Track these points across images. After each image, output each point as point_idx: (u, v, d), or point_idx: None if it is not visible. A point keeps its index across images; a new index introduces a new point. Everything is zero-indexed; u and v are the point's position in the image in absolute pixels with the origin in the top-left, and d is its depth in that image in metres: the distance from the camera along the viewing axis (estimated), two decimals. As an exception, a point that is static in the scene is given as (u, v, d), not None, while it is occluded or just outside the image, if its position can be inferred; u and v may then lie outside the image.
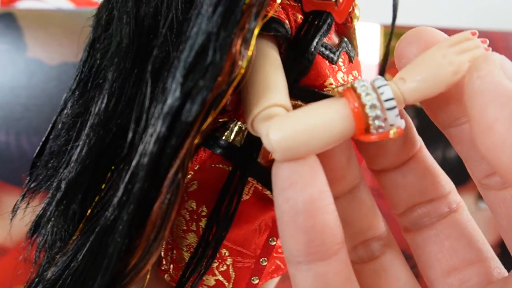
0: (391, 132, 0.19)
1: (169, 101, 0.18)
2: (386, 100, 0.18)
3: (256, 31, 0.18)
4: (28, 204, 0.23)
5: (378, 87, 0.19)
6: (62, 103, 0.22)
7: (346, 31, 0.25)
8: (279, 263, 0.28)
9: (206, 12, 0.17)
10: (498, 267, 0.21)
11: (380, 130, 0.19)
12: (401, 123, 0.19)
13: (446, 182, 0.22)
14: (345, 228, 0.20)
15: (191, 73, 0.17)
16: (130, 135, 0.19)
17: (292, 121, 0.18)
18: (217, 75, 0.17)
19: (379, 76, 0.19)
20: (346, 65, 0.24)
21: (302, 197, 0.18)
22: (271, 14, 0.20)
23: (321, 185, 0.18)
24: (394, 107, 0.18)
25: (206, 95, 0.17)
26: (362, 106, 0.18)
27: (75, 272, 0.20)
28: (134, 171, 0.19)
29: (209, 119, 0.18)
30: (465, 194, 0.50)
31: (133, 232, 0.19)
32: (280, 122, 0.18)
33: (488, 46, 0.19)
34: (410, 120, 0.21)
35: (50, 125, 0.22)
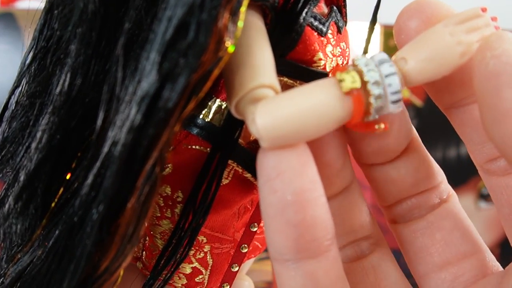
0: (377, 126, 0.17)
1: (145, 84, 0.15)
2: (388, 76, 0.17)
3: (246, 2, 0.16)
4: None
5: (380, 64, 0.17)
6: (15, 80, 0.19)
7: (334, -1, 0.23)
8: (257, 243, 0.26)
9: None
10: (492, 260, 0.20)
11: (381, 113, 0.17)
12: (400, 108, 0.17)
13: (438, 172, 0.21)
14: (336, 229, 0.19)
15: (170, 51, 0.15)
16: (99, 119, 0.17)
17: (282, 104, 0.16)
18: (200, 54, 0.15)
19: (383, 55, 0.17)
20: (334, 37, 0.22)
21: (292, 188, 0.16)
22: None
23: (312, 175, 0.17)
24: (398, 92, 0.17)
25: (189, 77, 0.15)
26: (364, 83, 0.17)
27: (37, 274, 0.18)
28: (104, 162, 0.16)
29: (191, 105, 0.16)
30: (465, 194, 0.50)
31: (104, 232, 0.16)
32: (268, 106, 0.16)
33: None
34: (406, 111, 0.20)
35: (2, 106, 0.19)
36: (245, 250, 0.24)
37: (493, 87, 0.16)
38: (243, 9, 0.15)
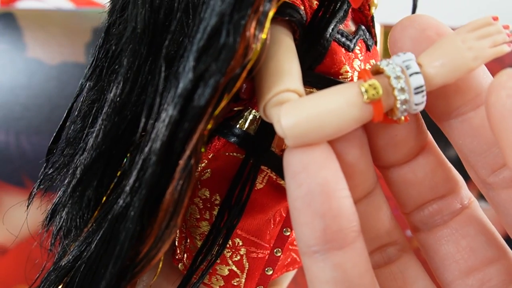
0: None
1: (181, 84, 0.17)
2: (417, 88, 0.18)
3: (270, 14, 0.18)
4: (45, 192, 0.23)
5: (407, 71, 0.18)
6: (78, 89, 0.22)
7: (363, 19, 0.25)
8: (294, 256, 0.27)
9: None
10: None
11: (404, 114, 0.18)
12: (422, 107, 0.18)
13: (456, 177, 0.21)
14: (363, 234, 0.19)
15: (204, 56, 0.17)
16: (142, 120, 0.19)
17: (304, 106, 0.18)
18: (230, 58, 0.17)
19: (411, 57, 0.18)
20: (363, 53, 0.24)
21: (317, 179, 0.17)
22: None
23: (335, 168, 0.18)
24: (422, 92, 0.18)
25: (219, 78, 0.17)
26: (392, 89, 0.18)
27: (88, 260, 0.20)
28: (147, 156, 0.19)
29: (223, 103, 0.18)
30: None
31: (144, 218, 0.18)
32: (292, 107, 0.18)
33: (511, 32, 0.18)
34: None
35: (66, 111, 0.23)
36: (279, 254, 0.25)
37: None
38: (267, 24, 0.18)
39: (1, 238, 0.47)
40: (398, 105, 0.18)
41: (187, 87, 0.17)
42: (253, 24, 0.17)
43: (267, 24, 0.18)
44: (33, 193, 0.23)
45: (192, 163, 0.18)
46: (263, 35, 0.17)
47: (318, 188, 0.17)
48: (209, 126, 0.18)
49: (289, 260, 0.27)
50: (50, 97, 0.47)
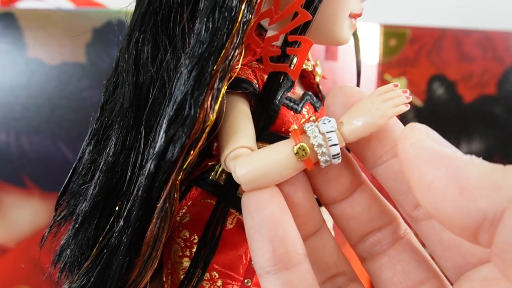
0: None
1: (157, 145, 0.23)
2: (332, 145, 0.23)
3: (223, 90, 0.23)
4: (55, 235, 0.28)
5: (327, 132, 0.23)
6: (80, 152, 0.28)
7: (310, 86, 0.31)
8: None
9: (183, 76, 0.23)
10: (445, 281, 0.24)
11: (328, 164, 0.24)
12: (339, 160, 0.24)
13: (391, 211, 0.25)
14: (314, 266, 0.23)
15: (173, 124, 0.23)
16: (128, 174, 0.24)
17: (253, 159, 0.23)
18: (193, 124, 0.23)
19: (330, 120, 0.23)
20: (310, 114, 0.30)
21: (265, 211, 0.22)
22: (234, 76, 0.25)
23: (281, 204, 0.23)
24: (336, 146, 0.23)
25: (185, 140, 0.23)
26: (312, 145, 0.23)
27: None
28: (132, 202, 0.24)
29: (189, 158, 0.23)
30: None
31: (132, 251, 0.23)
32: (244, 160, 0.24)
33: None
34: (351, 157, 0.26)
35: (71, 171, 0.28)
36: (249, 284, 0.30)
37: (415, 167, 0.19)
38: (221, 94, 0.23)
39: (1, 238, 0.46)
40: (319, 157, 0.23)
41: (161, 147, 0.23)
42: (209, 98, 0.23)
43: (220, 98, 0.23)
44: (45, 237, 0.28)
45: (167, 206, 0.23)
46: (217, 106, 0.23)
47: (266, 218, 0.22)
48: (180, 177, 0.23)
49: None
50: (50, 97, 0.46)
